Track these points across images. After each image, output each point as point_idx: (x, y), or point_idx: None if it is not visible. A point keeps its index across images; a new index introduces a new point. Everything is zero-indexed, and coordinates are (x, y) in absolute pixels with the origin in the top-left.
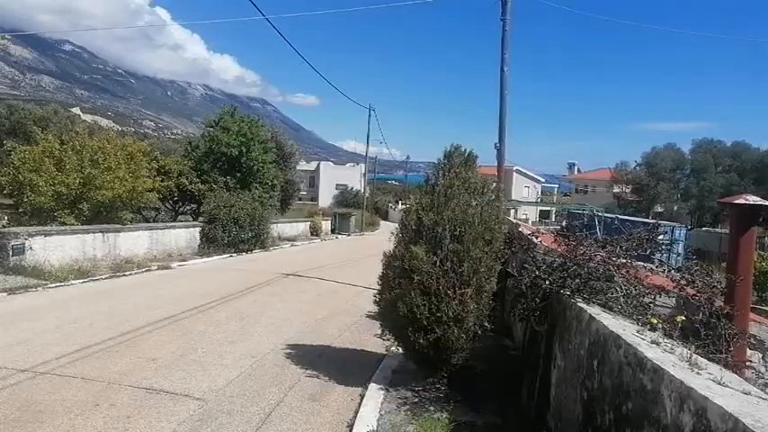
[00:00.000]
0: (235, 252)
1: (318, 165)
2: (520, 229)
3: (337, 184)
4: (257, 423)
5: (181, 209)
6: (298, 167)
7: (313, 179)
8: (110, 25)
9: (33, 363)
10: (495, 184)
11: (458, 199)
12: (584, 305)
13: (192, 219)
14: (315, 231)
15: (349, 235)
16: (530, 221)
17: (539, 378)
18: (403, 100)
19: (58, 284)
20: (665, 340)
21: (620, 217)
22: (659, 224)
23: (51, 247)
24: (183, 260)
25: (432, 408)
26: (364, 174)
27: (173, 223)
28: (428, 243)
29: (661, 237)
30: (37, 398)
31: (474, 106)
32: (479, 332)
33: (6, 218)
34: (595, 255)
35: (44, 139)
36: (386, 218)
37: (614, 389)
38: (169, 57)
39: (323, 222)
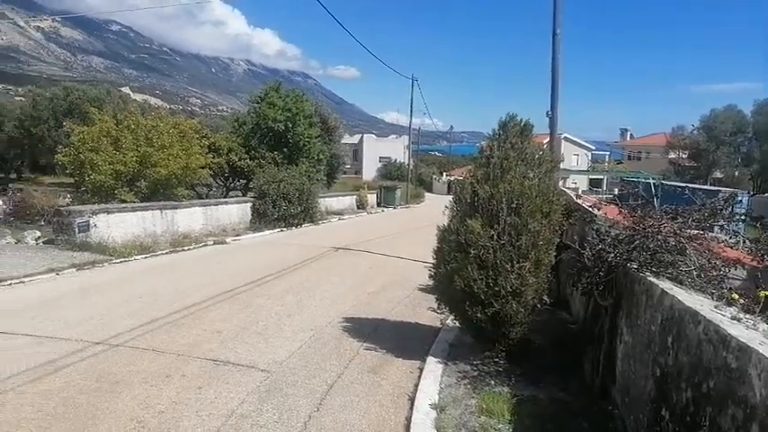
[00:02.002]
0: (285, 226)
1: (362, 138)
2: (579, 201)
3: (380, 157)
4: (321, 394)
5: (231, 185)
6: (342, 141)
7: (356, 152)
8: (153, 3)
9: (107, 336)
10: (552, 155)
11: (514, 171)
12: (654, 279)
13: (241, 194)
14: (361, 205)
15: (395, 208)
16: (579, 190)
17: (603, 353)
18: (446, 69)
19: (122, 260)
20: (746, 316)
21: (681, 185)
22: (736, 194)
23: (114, 224)
24: (237, 235)
25: (492, 382)
26: (408, 146)
27: (225, 199)
28: (484, 216)
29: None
30: (113, 369)
31: (520, 73)
32: (538, 306)
33: (70, 196)
34: (664, 226)
35: (101, 120)
36: (430, 189)
37: (692, 366)
38: (212, 33)
39: (368, 195)
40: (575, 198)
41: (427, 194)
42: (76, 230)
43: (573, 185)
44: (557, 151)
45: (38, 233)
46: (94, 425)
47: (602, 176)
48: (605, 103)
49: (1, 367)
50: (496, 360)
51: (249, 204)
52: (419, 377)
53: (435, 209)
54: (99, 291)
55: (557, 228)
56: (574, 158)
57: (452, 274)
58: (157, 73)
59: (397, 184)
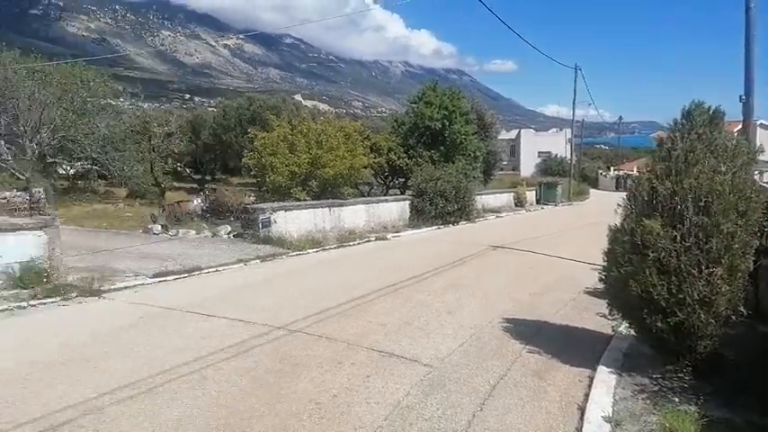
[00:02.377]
0: (442, 224)
1: (519, 132)
2: None
3: (539, 152)
4: (484, 394)
5: (391, 183)
6: (498, 137)
7: (514, 148)
8: (322, 16)
9: (286, 321)
10: (749, 145)
11: (702, 164)
12: None
13: (399, 192)
14: (519, 202)
15: (556, 205)
16: None
17: None
18: (614, 56)
19: (297, 253)
20: None
21: None
22: None
23: (290, 220)
24: (397, 232)
25: (676, 399)
26: (570, 139)
27: (385, 197)
28: (664, 216)
29: None
30: (293, 352)
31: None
32: (733, 317)
33: (253, 195)
34: None
35: (278, 126)
36: (595, 185)
37: None
38: (372, 39)
39: (527, 192)
40: None
41: (592, 191)
42: (260, 226)
43: None
44: (752, 141)
45: (229, 228)
46: (279, 402)
47: None
48: None
49: (203, 345)
50: (680, 375)
51: (408, 202)
52: (589, 386)
53: (601, 206)
54: (279, 280)
55: (756, 229)
56: None
57: (627, 278)
58: (324, 80)
59: (558, 180)
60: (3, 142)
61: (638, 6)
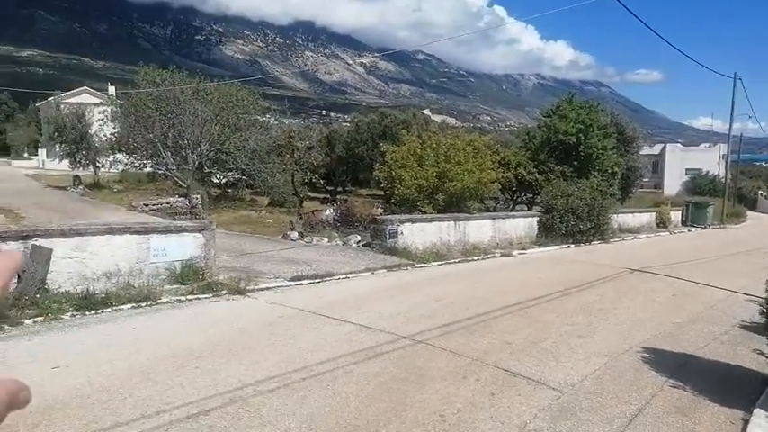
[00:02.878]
0: (572, 242)
1: (663, 147)
2: None
3: (687, 169)
4: (619, 426)
5: (518, 198)
6: (640, 152)
7: (656, 164)
8: (454, 30)
9: (411, 332)
10: None
11: None
12: None
13: (526, 208)
14: (661, 223)
15: (705, 228)
16: None
17: None
18: None
19: (421, 265)
20: None
21: None
22: None
23: (416, 233)
24: (523, 248)
25: None
26: (724, 155)
27: (512, 213)
28: None
29: None
30: (417, 363)
31: None
32: None
33: (381, 207)
34: None
35: (409, 140)
36: (753, 208)
37: None
38: (504, 52)
39: (671, 213)
40: None
41: (750, 213)
42: (387, 237)
43: None
44: None
45: (358, 237)
46: (404, 410)
47: None
48: None
49: (335, 347)
50: None
51: (536, 218)
52: (743, 430)
53: (761, 230)
54: (404, 291)
55: None
56: None
57: None
58: (453, 94)
59: (708, 201)
60: (170, 153)
61: None
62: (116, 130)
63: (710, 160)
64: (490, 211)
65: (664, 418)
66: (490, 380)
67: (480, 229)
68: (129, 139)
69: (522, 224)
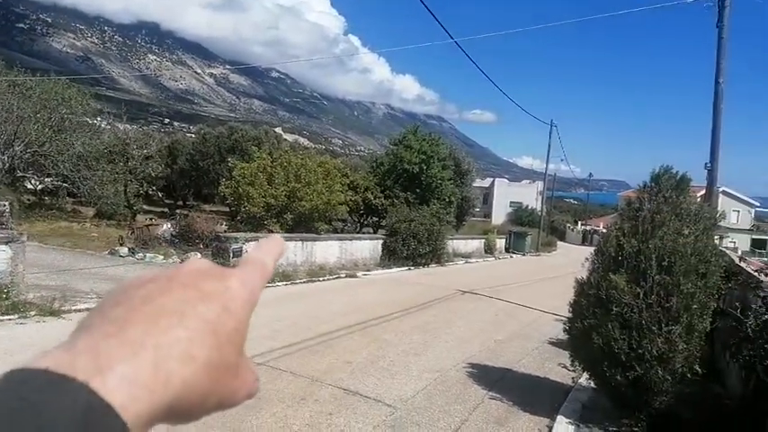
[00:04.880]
0: (413, 265)
1: (493, 182)
2: (741, 264)
3: (511, 202)
4: None
5: (365, 221)
6: (473, 184)
7: (487, 196)
8: (310, 53)
9: (252, 354)
10: (712, 211)
11: (667, 226)
12: None
13: (372, 231)
14: (489, 249)
15: (524, 255)
16: (739, 251)
17: None
18: (586, 115)
19: (266, 285)
20: None
21: None
22: None
23: None
24: (368, 270)
25: None
26: (541, 191)
27: (359, 235)
28: (629, 272)
29: None
30: None
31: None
32: (688, 375)
33: (225, 224)
34: None
35: (259, 157)
36: (563, 238)
37: None
38: (357, 80)
39: (497, 240)
40: (737, 260)
41: (560, 243)
42: (231, 255)
43: (731, 245)
44: (715, 207)
45: (198, 255)
46: None
47: (767, 237)
48: None
49: None
50: (635, 429)
51: (380, 241)
52: None
53: (568, 259)
54: None
55: (714, 291)
56: (733, 215)
57: (590, 331)
58: (306, 115)
59: (527, 231)
60: None
61: (612, 72)
62: None
63: (530, 195)
64: (338, 233)
65: (483, 428)
66: (329, 399)
67: (327, 250)
68: None
69: (368, 246)
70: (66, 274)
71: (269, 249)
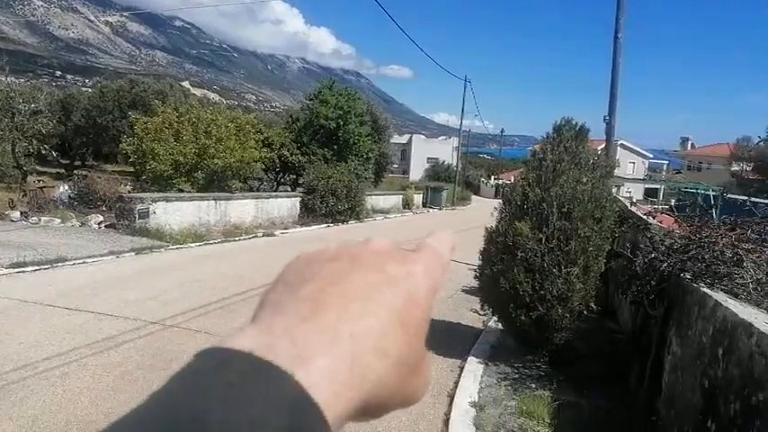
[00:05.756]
0: (332, 222)
1: (410, 138)
2: (633, 209)
3: (428, 158)
4: None
5: (282, 179)
6: (391, 141)
7: (405, 152)
8: (216, 1)
9: (163, 316)
10: (607, 160)
11: (567, 175)
12: (707, 290)
13: (290, 189)
14: (407, 204)
15: (441, 209)
16: (634, 199)
17: (649, 363)
18: (500, 72)
19: (177, 246)
20: None
21: (742, 198)
22: None
23: (171, 212)
24: (285, 228)
25: (533, 385)
26: (457, 147)
27: (276, 193)
28: (533, 219)
29: None
30: (167, 347)
31: (576, 79)
32: (585, 313)
33: (130, 184)
34: (722, 237)
35: (164, 112)
36: (477, 192)
37: (743, 378)
38: (270, 31)
39: (415, 196)
40: (629, 206)
41: (474, 197)
42: (136, 216)
43: (627, 194)
44: (612, 158)
45: (100, 218)
46: None
47: (658, 186)
48: (666, 110)
49: (65, 341)
50: (539, 364)
51: (298, 199)
52: (459, 375)
53: (481, 212)
54: (155, 274)
55: (608, 235)
56: (630, 166)
57: (498, 276)
58: (216, 69)
59: (443, 186)
60: None
61: (520, 28)
62: None
63: (447, 151)
64: (253, 191)
65: None
66: None
67: (243, 209)
68: None
69: (286, 204)
70: None
71: (443, 240)
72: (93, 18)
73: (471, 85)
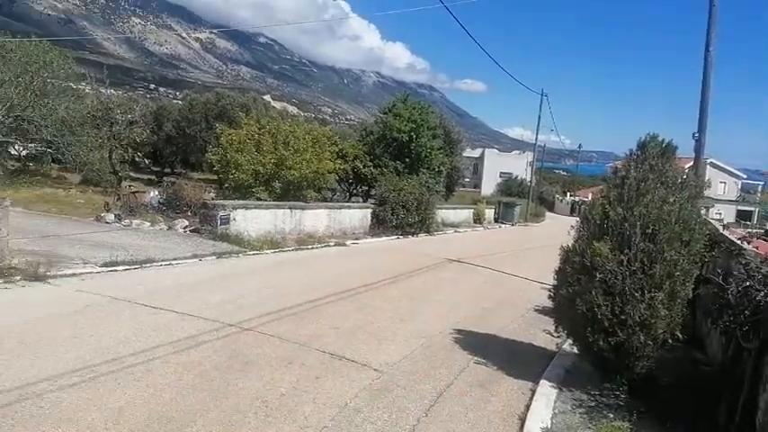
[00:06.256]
0: (401, 234)
1: (483, 152)
2: (725, 232)
3: (501, 173)
4: (430, 401)
5: (354, 190)
6: (463, 154)
7: (477, 166)
8: (298, 18)
9: (239, 319)
10: (697, 179)
11: (652, 194)
12: None
13: (362, 200)
14: (478, 219)
15: (513, 225)
16: (725, 221)
17: (742, 401)
18: (577, 84)
19: (254, 252)
20: None
21: None
22: None
23: (250, 219)
24: (356, 239)
25: (611, 415)
26: (531, 162)
27: (348, 204)
28: (614, 240)
29: None
30: (243, 350)
31: (661, 94)
32: (669, 341)
33: (213, 191)
34: None
35: (247, 124)
36: (551, 209)
37: None
38: (347, 47)
39: (486, 210)
40: (720, 229)
41: (548, 214)
42: (218, 222)
43: (717, 216)
44: (702, 177)
45: (185, 222)
46: (225, 398)
47: (752, 208)
48: (763, 127)
49: (151, 338)
50: (617, 393)
51: (369, 210)
52: (531, 398)
53: (556, 229)
54: (234, 278)
55: (697, 259)
56: (720, 186)
57: (574, 297)
58: (295, 83)
59: (516, 201)
60: None
61: (603, 38)
62: None
63: (520, 166)
64: (327, 202)
65: (467, 392)
66: (315, 364)
67: (316, 219)
68: None
69: (357, 215)
70: (51, 239)
71: None
72: (185, 35)
73: (548, 99)
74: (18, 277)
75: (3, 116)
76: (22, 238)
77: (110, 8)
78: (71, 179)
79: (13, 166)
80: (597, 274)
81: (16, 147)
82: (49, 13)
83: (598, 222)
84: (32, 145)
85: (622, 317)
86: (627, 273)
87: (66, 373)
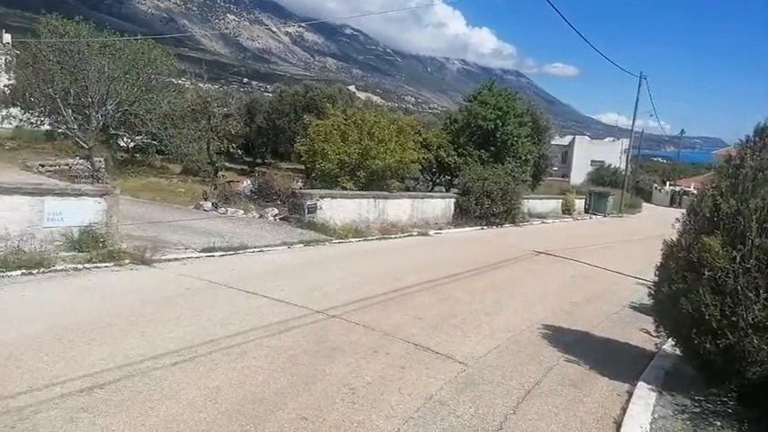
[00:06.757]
0: (486, 225)
1: (573, 139)
2: None
3: (592, 161)
4: (517, 398)
5: (437, 180)
6: (551, 142)
7: (566, 154)
8: (384, 7)
9: (326, 306)
10: None
11: None
12: None
13: (445, 189)
14: (567, 209)
15: (605, 216)
16: None
17: None
18: (679, 66)
19: (339, 241)
20: None
21: None
22: None
23: (335, 208)
24: (439, 229)
25: (718, 423)
26: (626, 149)
27: (430, 193)
28: (725, 235)
29: None
30: (330, 337)
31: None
32: None
33: (301, 181)
34: None
35: (333, 114)
36: (649, 200)
37: None
38: (432, 34)
39: (576, 201)
40: None
41: (645, 204)
42: (306, 211)
43: None
44: None
45: (275, 210)
46: (314, 383)
47: None
48: None
49: (245, 321)
50: (725, 400)
51: (453, 200)
52: (627, 401)
53: (654, 221)
54: (321, 266)
55: None
56: None
57: (678, 296)
58: (380, 72)
59: (609, 191)
60: (71, 111)
61: (706, 20)
62: (11, 82)
63: (614, 154)
64: (410, 191)
65: (558, 390)
66: (400, 354)
67: (399, 208)
68: (25, 92)
69: (440, 205)
70: (156, 226)
71: None
72: (275, 29)
73: (647, 82)
74: (127, 261)
75: (113, 110)
76: (131, 224)
77: (207, 6)
78: (173, 169)
79: (122, 156)
80: (705, 272)
81: (125, 139)
82: (153, 12)
83: (707, 215)
84: (139, 137)
85: (733, 318)
86: (740, 270)
87: (169, 353)
